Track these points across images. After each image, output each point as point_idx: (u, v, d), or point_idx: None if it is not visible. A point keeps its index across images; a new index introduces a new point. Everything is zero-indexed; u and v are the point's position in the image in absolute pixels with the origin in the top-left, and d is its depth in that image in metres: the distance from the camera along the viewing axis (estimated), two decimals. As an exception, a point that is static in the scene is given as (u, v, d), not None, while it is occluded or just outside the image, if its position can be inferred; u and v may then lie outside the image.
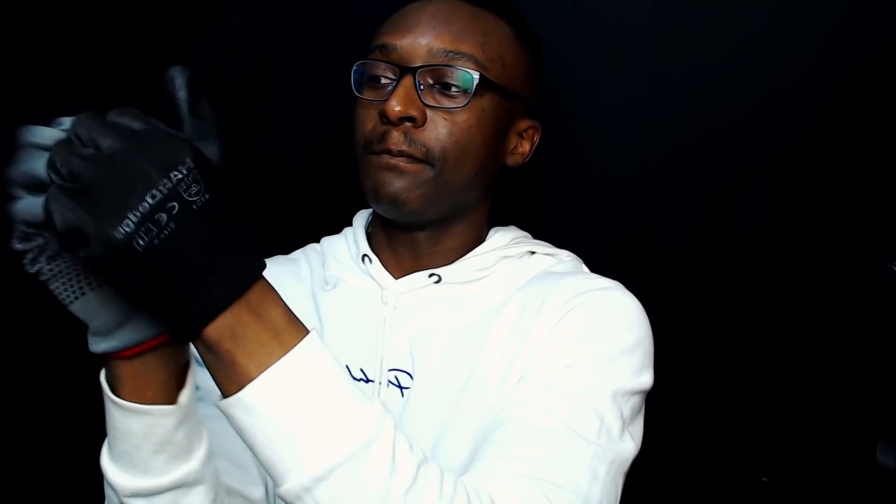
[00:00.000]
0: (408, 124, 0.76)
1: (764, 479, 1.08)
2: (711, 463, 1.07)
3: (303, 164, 1.13)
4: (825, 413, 1.05)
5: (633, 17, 1.04)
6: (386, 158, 0.76)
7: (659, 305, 0.81)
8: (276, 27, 1.12)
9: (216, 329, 0.49)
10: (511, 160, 0.85)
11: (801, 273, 1.05)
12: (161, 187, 0.45)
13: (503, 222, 0.88)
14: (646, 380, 0.74)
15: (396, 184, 0.76)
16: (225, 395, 0.51)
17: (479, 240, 0.85)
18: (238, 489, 0.75)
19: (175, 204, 0.46)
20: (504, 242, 0.84)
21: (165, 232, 0.45)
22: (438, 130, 0.77)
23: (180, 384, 0.60)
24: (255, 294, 0.50)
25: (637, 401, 0.73)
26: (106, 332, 0.55)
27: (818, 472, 1.07)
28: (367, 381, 0.77)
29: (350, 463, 0.50)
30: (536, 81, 0.86)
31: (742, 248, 1.06)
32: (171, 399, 0.59)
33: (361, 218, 0.91)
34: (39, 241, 0.51)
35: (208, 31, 1.11)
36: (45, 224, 0.49)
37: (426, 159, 0.76)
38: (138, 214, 0.45)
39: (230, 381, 0.51)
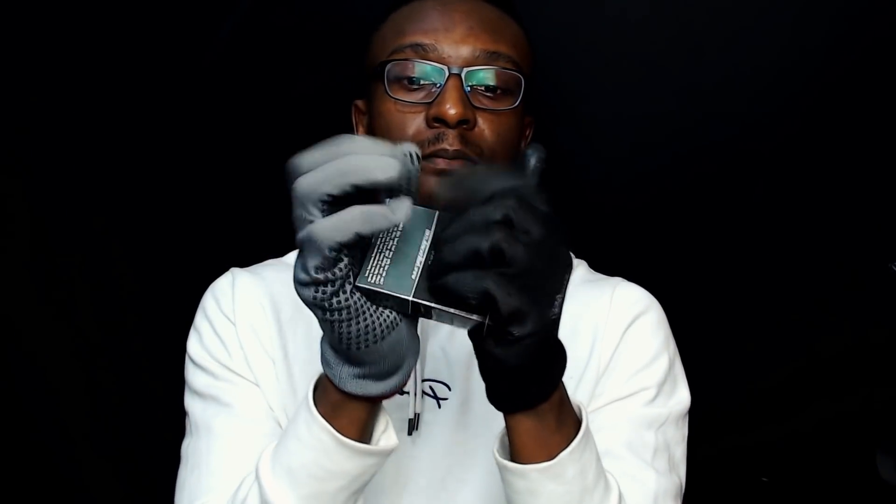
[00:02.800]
0: (463, 127, 0.74)
1: (764, 479, 1.08)
2: (711, 455, 1.07)
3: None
4: (825, 411, 1.05)
5: (634, 15, 1.04)
6: (440, 163, 0.74)
7: (659, 303, 0.81)
8: (276, 27, 1.11)
9: (557, 395, 0.56)
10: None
11: (802, 273, 1.05)
12: (565, 287, 0.52)
13: None
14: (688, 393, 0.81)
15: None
16: (526, 460, 0.57)
17: None
18: None
19: (563, 296, 0.52)
20: None
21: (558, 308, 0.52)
22: (486, 131, 0.75)
23: (375, 418, 0.61)
24: None
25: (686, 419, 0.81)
26: (383, 376, 0.55)
27: (818, 472, 1.07)
28: (402, 393, 0.75)
29: None
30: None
31: (742, 248, 1.06)
32: (370, 438, 0.60)
33: None
34: (343, 268, 0.50)
35: (208, 31, 1.10)
36: (350, 244, 0.49)
37: (478, 160, 0.75)
38: (561, 297, 0.51)
39: (544, 447, 0.57)
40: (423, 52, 0.75)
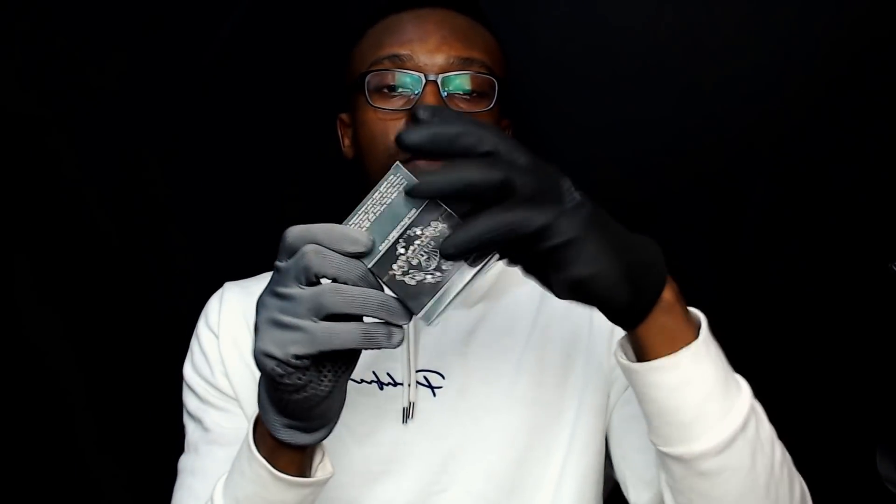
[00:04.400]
0: None
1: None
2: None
3: (302, 165, 1.13)
4: (825, 411, 1.05)
5: (632, 19, 1.04)
6: (419, 164, 0.76)
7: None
8: (276, 27, 1.12)
9: (667, 285, 0.56)
10: None
11: (802, 273, 1.06)
12: (565, 179, 0.52)
13: None
14: None
15: None
16: (652, 355, 0.56)
17: None
18: None
19: (579, 192, 0.52)
20: None
21: (590, 205, 0.52)
22: None
23: (315, 451, 0.64)
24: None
25: None
26: (311, 430, 0.58)
27: (818, 472, 1.07)
28: (396, 384, 0.78)
29: (752, 426, 0.58)
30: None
31: (742, 248, 1.07)
32: (308, 468, 0.62)
33: None
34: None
35: (208, 31, 1.11)
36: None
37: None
38: (571, 192, 0.51)
39: (669, 341, 0.56)
40: (400, 62, 0.78)
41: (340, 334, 0.51)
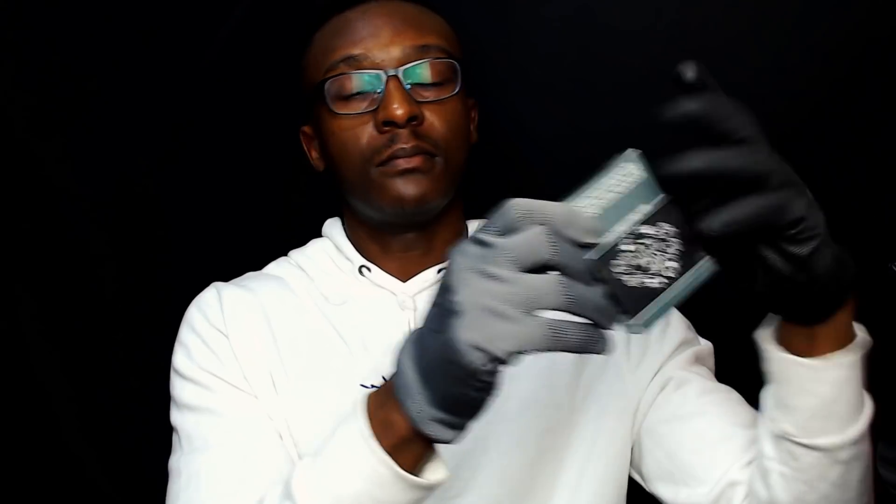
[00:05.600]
0: (413, 123, 0.76)
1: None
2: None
3: (302, 170, 1.13)
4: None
5: (631, 22, 1.04)
6: (400, 163, 0.76)
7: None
8: (275, 27, 1.12)
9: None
10: (473, 138, 0.87)
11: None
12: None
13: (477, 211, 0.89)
14: None
15: (419, 185, 0.77)
16: (828, 350, 0.61)
17: (464, 229, 0.86)
18: None
19: None
20: None
21: None
22: (436, 123, 0.78)
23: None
24: None
25: None
26: (459, 427, 0.54)
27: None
28: None
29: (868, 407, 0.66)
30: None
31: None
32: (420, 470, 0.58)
33: (337, 228, 0.89)
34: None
35: (208, 31, 1.11)
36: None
37: (435, 151, 0.77)
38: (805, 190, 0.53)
39: (846, 337, 0.62)
40: (356, 62, 0.78)
41: (561, 335, 0.46)
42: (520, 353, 0.47)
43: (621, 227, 0.49)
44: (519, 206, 0.47)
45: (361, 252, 0.86)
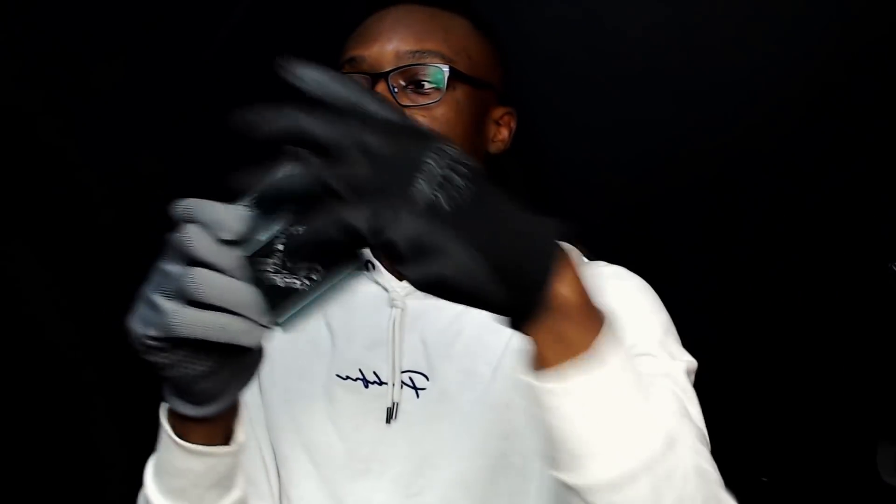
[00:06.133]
0: None
1: (764, 479, 1.08)
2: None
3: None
4: (825, 411, 1.05)
5: (631, 20, 1.04)
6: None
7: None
8: (275, 27, 1.12)
9: (560, 281, 0.44)
10: (493, 148, 0.86)
11: (802, 273, 1.05)
12: (440, 155, 0.43)
13: None
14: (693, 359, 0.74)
15: None
16: (546, 365, 0.46)
17: None
18: None
19: (461, 168, 0.43)
20: None
21: (468, 191, 0.43)
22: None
23: (231, 422, 0.61)
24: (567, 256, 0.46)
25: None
26: (211, 401, 0.55)
27: (818, 472, 1.07)
28: (381, 383, 0.78)
29: (663, 460, 0.47)
30: (503, 69, 0.87)
31: (742, 249, 1.07)
32: (228, 436, 0.60)
33: None
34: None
35: (208, 31, 1.11)
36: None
37: None
38: (431, 181, 0.42)
39: (565, 352, 0.45)
40: (356, 64, 0.78)
41: (195, 324, 0.47)
42: (164, 339, 0.49)
43: (276, 227, 0.49)
44: (179, 205, 0.49)
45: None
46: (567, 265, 0.45)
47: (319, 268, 0.48)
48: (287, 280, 0.48)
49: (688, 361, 0.73)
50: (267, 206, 0.48)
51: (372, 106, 0.45)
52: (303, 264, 0.48)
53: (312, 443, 0.79)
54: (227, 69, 1.11)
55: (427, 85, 0.77)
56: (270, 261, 0.48)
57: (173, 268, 0.48)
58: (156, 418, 0.59)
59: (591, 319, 0.46)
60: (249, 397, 0.82)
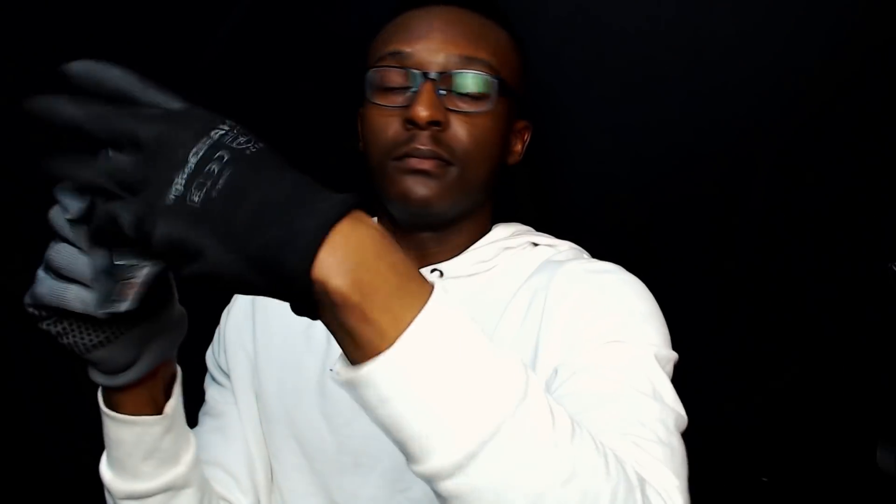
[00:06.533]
0: (434, 128, 0.76)
1: (764, 479, 1.08)
2: (712, 456, 1.07)
3: (301, 164, 1.13)
4: (825, 411, 1.05)
5: (634, 22, 1.04)
6: (413, 162, 0.77)
7: (659, 305, 0.81)
8: (275, 27, 1.12)
9: (327, 270, 0.41)
10: (510, 160, 0.87)
11: (802, 273, 1.06)
12: (202, 144, 0.41)
13: (507, 220, 0.88)
14: (673, 352, 0.72)
15: (427, 187, 0.78)
16: (352, 361, 0.44)
17: (482, 236, 0.86)
18: (228, 497, 0.80)
19: (224, 154, 0.41)
20: (505, 235, 0.85)
21: (221, 180, 0.41)
22: (460, 133, 0.78)
23: (168, 395, 0.64)
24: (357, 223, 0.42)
25: (671, 370, 0.71)
26: (121, 370, 0.57)
27: (818, 472, 1.07)
28: None
29: (515, 418, 0.43)
30: (527, 83, 0.89)
31: (743, 250, 1.07)
32: (160, 410, 0.63)
33: None
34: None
35: (208, 31, 1.11)
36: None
37: (451, 160, 0.77)
38: (185, 175, 0.41)
39: (355, 346, 0.43)
40: (401, 58, 0.79)
41: (51, 292, 0.50)
42: (34, 306, 0.52)
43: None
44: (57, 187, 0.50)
45: None
46: (342, 248, 0.41)
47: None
48: (124, 260, 0.49)
49: (657, 347, 0.70)
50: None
51: (146, 96, 0.45)
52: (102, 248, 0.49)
53: (304, 436, 0.80)
54: (225, 71, 1.11)
55: (475, 93, 0.78)
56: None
57: (53, 242, 0.51)
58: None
59: (382, 301, 0.42)
60: (242, 391, 0.86)
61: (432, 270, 0.83)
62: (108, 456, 0.64)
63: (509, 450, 0.43)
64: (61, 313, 0.52)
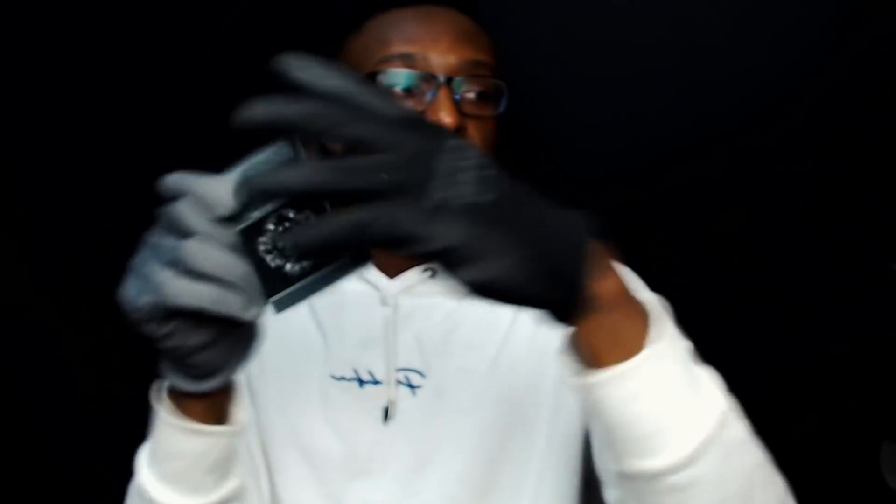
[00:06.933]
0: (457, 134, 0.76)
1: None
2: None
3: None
4: (827, 412, 1.05)
5: (631, 12, 1.04)
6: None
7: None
8: (276, 28, 1.11)
9: (602, 274, 0.45)
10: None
11: (802, 274, 1.05)
12: (448, 151, 0.43)
13: None
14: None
15: None
16: (600, 358, 0.47)
17: None
18: None
19: (471, 162, 0.43)
20: None
21: (485, 188, 0.43)
22: (476, 138, 0.77)
23: (229, 402, 0.60)
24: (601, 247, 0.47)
25: None
26: (211, 375, 0.54)
27: (819, 473, 1.07)
28: (376, 382, 0.77)
29: (730, 412, 0.50)
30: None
31: (743, 249, 1.06)
32: (225, 416, 0.59)
33: None
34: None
35: (208, 31, 1.10)
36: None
37: None
38: (444, 180, 0.42)
39: (617, 345, 0.47)
40: (412, 61, 0.76)
41: (190, 293, 0.47)
42: (159, 307, 0.48)
43: (269, 206, 0.47)
44: (171, 179, 0.48)
45: None
46: (603, 258, 0.46)
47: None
48: (277, 262, 0.47)
49: (688, 343, 0.73)
50: (262, 186, 0.45)
51: (363, 97, 0.43)
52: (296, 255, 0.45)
53: (308, 445, 0.78)
54: (222, 77, 1.10)
55: (487, 98, 0.77)
56: (262, 239, 0.47)
57: (165, 241, 0.48)
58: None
59: (635, 308, 0.47)
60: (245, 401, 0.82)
61: (425, 269, 0.83)
62: (160, 470, 0.59)
63: (728, 439, 0.49)
64: (170, 315, 0.49)
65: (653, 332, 0.47)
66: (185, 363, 0.53)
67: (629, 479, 0.50)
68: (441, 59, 0.76)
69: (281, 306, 0.48)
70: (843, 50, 1.00)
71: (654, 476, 0.49)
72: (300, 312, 0.82)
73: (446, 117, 0.73)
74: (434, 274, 0.82)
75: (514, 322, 0.78)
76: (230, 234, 0.47)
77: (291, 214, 0.47)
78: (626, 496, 0.53)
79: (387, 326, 0.80)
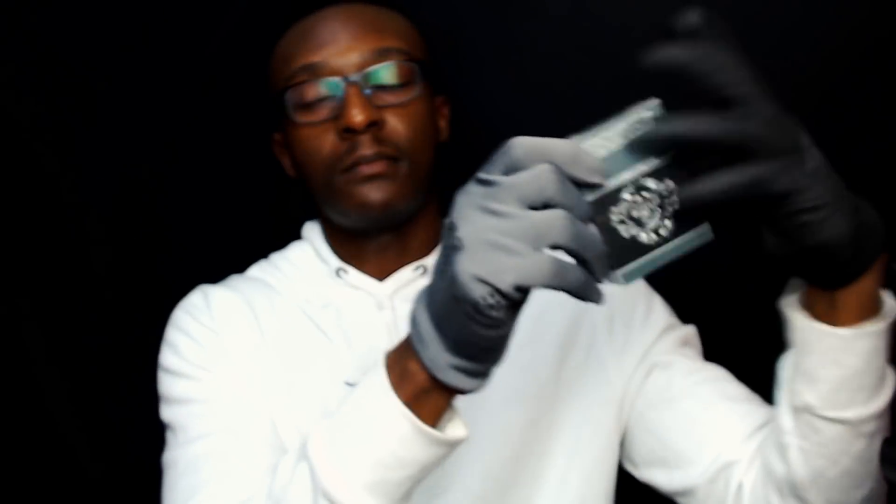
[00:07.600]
0: (373, 129, 0.75)
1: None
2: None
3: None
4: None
5: (628, 18, 1.04)
6: (363, 169, 0.76)
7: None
8: (275, 27, 1.11)
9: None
10: (442, 137, 0.87)
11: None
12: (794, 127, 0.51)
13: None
14: None
15: (383, 190, 0.77)
16: (851, 315, 0.57)
17: (441, 227, 0.86)
18: None
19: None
20: None
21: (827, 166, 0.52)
22: (398, 126, 0.77)
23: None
24: None
25: None
26: (478, 374, 0.52)
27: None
28: None
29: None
30: (433, 57, 0.87)
31: (742, 247, 1.06)
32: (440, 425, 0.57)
33: (316, 231, 0.89)
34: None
35: (208, 31, 1.10)
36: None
37: (398, 155, 0.76)
38: (810, 147, 0.51)
39: (872, 306, 0.58)
40: (315, 70, 0.77)
41: (567, 273, 0.45)
42: (523, 287, 0.46)
43: (626, 175, 0.47)
44: (524, 143, 0.46)
45: (339, 254, 0.85)
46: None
47: (671, 226, 0.47)
48: (632, 232, 0.47)
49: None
50: (617, 156, 0.46)
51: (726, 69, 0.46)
52: (654, 221, 0.46)
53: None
54: (221, 79, 1.10)
55: (400, 83, 0.76)
56: (616, 209, 0.47)
57: (518, 211, 0.45)
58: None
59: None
60: (261, 407, 0.79)
61: (416, 268, 0.82)
62: (366, 479, 0.54)
63: None
64: (520, 296, 0.47)
65: (888, 302, 0.58)
66: (491, 356, 0.50)
67: (831, 424, 0.60)
68: (342, 59, 0.75)
69: (630, 277, 0.47)
70: (844, 50, 1.00)
71: (859, 422, 0.59)
72: (301, 320, 0.82)
73: (356, 116, 0.73)
74: (425, 272, 0.81)
75: (531, 314, 0.78)
76: (587, 203, 0.46)
77: (651, 185, 0.47)
78: (805, 446, 0.62)
79: (390, 332, 0.80)
